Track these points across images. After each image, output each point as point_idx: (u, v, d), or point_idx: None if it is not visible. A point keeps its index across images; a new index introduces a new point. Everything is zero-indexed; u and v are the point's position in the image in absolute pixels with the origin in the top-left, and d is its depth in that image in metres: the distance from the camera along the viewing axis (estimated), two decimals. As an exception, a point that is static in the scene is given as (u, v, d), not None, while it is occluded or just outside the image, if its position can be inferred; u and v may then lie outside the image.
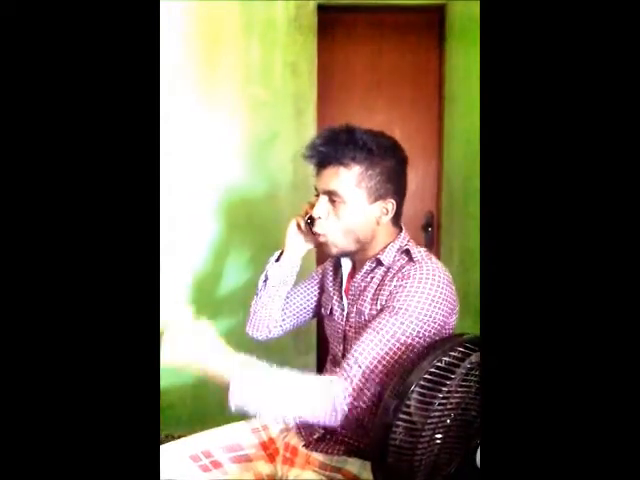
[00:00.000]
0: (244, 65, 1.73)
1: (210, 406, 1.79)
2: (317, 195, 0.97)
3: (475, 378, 0.73)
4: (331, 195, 0.93)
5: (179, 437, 1.04)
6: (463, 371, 0.73)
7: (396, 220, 0.98)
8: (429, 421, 0.71)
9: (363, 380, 0.83)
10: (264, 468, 1.00)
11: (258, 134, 1.75)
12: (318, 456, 0.95)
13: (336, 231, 0.95)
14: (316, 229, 0.97)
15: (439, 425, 0.72)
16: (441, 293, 0.87)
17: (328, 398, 0.81)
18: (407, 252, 0.95)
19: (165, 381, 1.75)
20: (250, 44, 1.73)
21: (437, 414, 0.71)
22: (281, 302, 1.11)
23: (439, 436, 0.73)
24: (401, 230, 1.00)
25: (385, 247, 0.96)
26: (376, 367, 0.83)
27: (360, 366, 0.83)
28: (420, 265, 0.90)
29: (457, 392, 0.73)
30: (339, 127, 0.94)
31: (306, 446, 0.98)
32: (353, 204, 0.92)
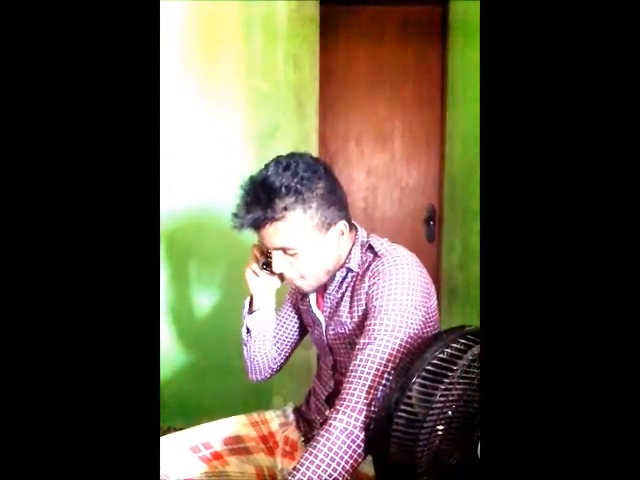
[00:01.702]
0: (245, 57, 1.72)
1: (211, 399, 1.80)
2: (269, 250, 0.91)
3: (477, 370, 0.73)
4: (283, 250, 0.88)
5: (180, 429, 1.04)
6: (465, 363, 0.72)
7: (350, 226, 0.94)
8: (431, 413, 0.70)
9: (368, 403, 0.77)
10: (264, 460, 1.00)
11: (259, 127, 1.74)
12: (318, 449, 0.94)
13: (305, 274, 0.91)
14: (286, 277, 0.92)
15: (441, 417, 0.72)
16: (414, 280, 0.85)
17: (348, 446, 0.76)
18: (370, 248, 0.92)
19: (167, 374, 1.76)
20: (251, 36, 1.72)
21: (439, 406, 0.71)
22: (272, 341, 1.07)
23: (441, 428, 0.72)
24: (357, 229, 0.96)
25: (349, 253, 0.93)
26: (382, 374, 0.79)
27: (362, 391, 0.78)
28: (386, 258, 0.87)
29: (459, 384, 0.72)
30: (253, 185, 0.86)
31: (306, 441, 0.98)
32: (309, 248, 0.87)
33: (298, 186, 0.84)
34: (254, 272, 0.99)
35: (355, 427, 0.76)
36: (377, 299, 0.84)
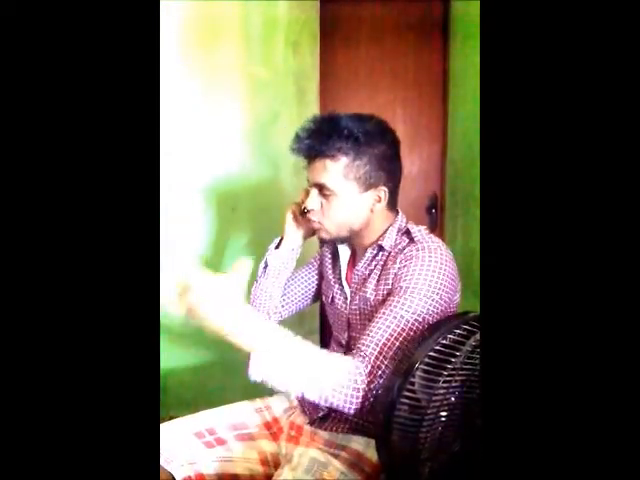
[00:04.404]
0: (245, 44, 1.70)
1: (213, 388, 1.81)
2: (311, 185, 0.96)
3: (480, 356, 0.73)
4: (321, 188, 0.92)
5: (183, 417, 1.05)
6: (468, 349, 0.72)
7: (392, 204, 0.96)
8: (434, 399, 0.70)
9: (381, 358, 0.80)
10: (268, 446, 1.01)
11: (259, 114, 1.73)
12: (323, 434, 0.96)
13: (328, 221, 0.94)
14: (311, 218, 0.96)
15: (444, 403, 0.72)
16: (445, 271, 0.87)
17: (349, 378, 0.78)
18: (407, 233, 0.94)
19: (169, 363, 1.77)
20: (251, 23, 1.69)
21: (442, 392, 0.71)
22: (281, 288, 1.10)
23: (444, 414, 0.72)
24: (397, 213, 0.99)
25: (385, 232, 0.95)
26: (391, 347, 0.81)
27: (377, 345, 0.81)
28: (422, 245, 0.89)
29: (462, 370, 0.72)
30: (323, 117, 0.92)
31: (311, 424, 0.99)
32: (343, 196, 0.91)
33: (360, 135, 0.88)
34: (294, 213, 1.04)
35: (358, 370, 0.79)
36: (404, 280, 0.86)
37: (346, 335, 1.00)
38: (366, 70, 1.92)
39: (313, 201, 0.94)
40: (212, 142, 1.73)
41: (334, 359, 0.81)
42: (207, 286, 0.71)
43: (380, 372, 0.80)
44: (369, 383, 0.79)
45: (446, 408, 0.72)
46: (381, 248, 0.94)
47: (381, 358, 0.81)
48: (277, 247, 1.08)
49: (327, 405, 0.79)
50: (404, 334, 0.82)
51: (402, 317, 0.83)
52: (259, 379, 0.75)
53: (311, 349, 0.78)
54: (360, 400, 0.78)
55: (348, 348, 1.00)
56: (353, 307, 0.98)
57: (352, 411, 0.78)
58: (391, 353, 0.81)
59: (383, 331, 0.82)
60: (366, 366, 0.80)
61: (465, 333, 0.73)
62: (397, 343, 0.81)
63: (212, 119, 1.72)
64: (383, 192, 0.93)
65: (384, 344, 0.81)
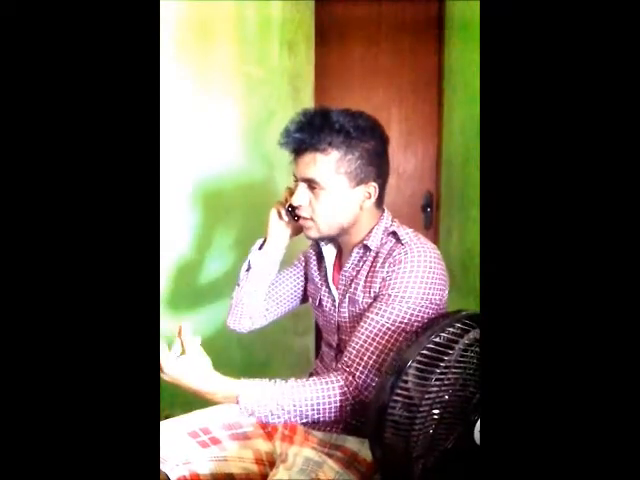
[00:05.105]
0: (240, 43, 1.70)
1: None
2: (296, 181, 0.93)
3: (473, 354, 0.73)
4: (310, 183, 0.90)
5: (178, 417, 1.04)
6: (461, 347, 0.72)
7: (379, 202, 0.95)
8: (426, 397, 0.70)
9: (366, 372, 0.82)
10: (262, 446, 1.01)
11: (254, 114, 1.72)
12: (317, 434, 0.96)
13: (318, 217, 0.92)
14: (298, 213, 0.94)
15: (437, 401, 0.72)
16: (434, 274, 0.86)
17: (334, 398, 0.81)
18: (394, 234, 0.92)
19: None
20: (246, 21, 1.69)
21: (435, 390, 0.71)
22: (265, 291, 1.08)
23: (437, 412, 0.73)
24: (383, 211, 0.97)
25: (370, 231, 0.94)
26: (377, 357, 0.82)
27: (362, 358, 0.82)
28: (410, 248, 0.88)
29: (455, 368, 0.72)
30: (314, 110, 0.90)
31: (304, 424, 0.98)
32: (333, 191, 0.89)
33: (351, 130, 0.87)
34: (278, 212, 1.01)
35: (341, 389, 0.82)
36: (393, 288, 0.85)
37: (336, 337, 1.00)
38: (361, 70, 1.92)
39: (301, 196, 0.91)
40: (207, 141, 1.73)
41: (310, 386, 0.83)
42: (171, 369, 0.85)
43: (368, 384, 0.82)
44: (354, 397, 0.81)
45: (439, 406, 0.72)
46: (367, 248, 0.93)
47: (368, 372, 0.82)
48: (260, 248, 1.06)
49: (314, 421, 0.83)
50: (392, 342, 0.83)
51: (389, 329, 0.83)
52: (247, 414, 0.82)
53: (290, 382, 0.83)
54: (341, 412, 0.82)
55: (339, 350, 0.99)
56: (342, 310, 0.97)
57: (336, 419, 0.83)
58: (380, 362, 0.82)
59: (369, 343, 0.83)
60: (350, 382, 0.82)
61: (458, 331, 0.73)
62: (385, 352, 0.82)
63: (207, 118, 1.72)
64: (373, 188, 0.92)
65: (370, 357, 0.83)
